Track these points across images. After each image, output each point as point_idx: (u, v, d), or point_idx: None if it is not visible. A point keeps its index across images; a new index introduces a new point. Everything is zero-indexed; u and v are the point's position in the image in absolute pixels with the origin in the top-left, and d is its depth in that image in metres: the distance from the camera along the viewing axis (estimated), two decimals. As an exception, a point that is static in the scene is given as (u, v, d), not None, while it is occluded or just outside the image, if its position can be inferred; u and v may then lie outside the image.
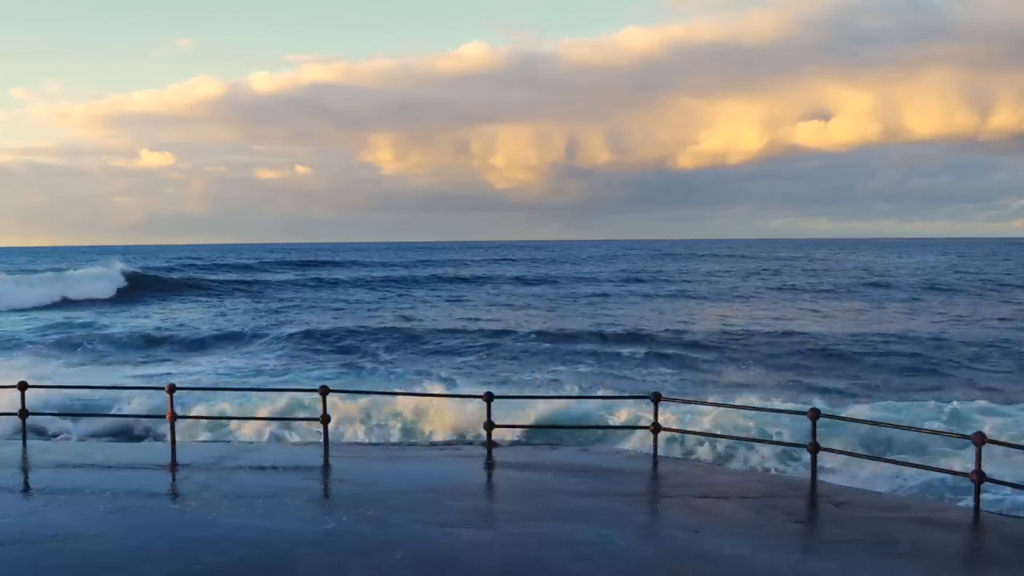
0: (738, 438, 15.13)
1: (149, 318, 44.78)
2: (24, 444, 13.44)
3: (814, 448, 11.07)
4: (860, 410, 18.84)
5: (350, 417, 18.68)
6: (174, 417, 13.49)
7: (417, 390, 21.35)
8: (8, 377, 15.93)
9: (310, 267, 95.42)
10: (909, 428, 13.40)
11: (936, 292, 59.59)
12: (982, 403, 20.35)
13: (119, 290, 56.45)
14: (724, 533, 8.66)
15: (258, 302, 54.51)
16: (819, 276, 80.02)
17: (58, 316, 44.87)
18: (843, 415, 14.96)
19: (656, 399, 12.29)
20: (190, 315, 46.29)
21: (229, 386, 23.76)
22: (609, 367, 28.71)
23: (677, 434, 14.79)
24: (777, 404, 19.11)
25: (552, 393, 22.95)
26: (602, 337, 35.29)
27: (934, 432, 13.80)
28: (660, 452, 12.48)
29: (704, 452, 15.91)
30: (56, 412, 17.47)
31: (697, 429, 15.66)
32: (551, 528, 8.89)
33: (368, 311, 48.84)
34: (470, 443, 13.38)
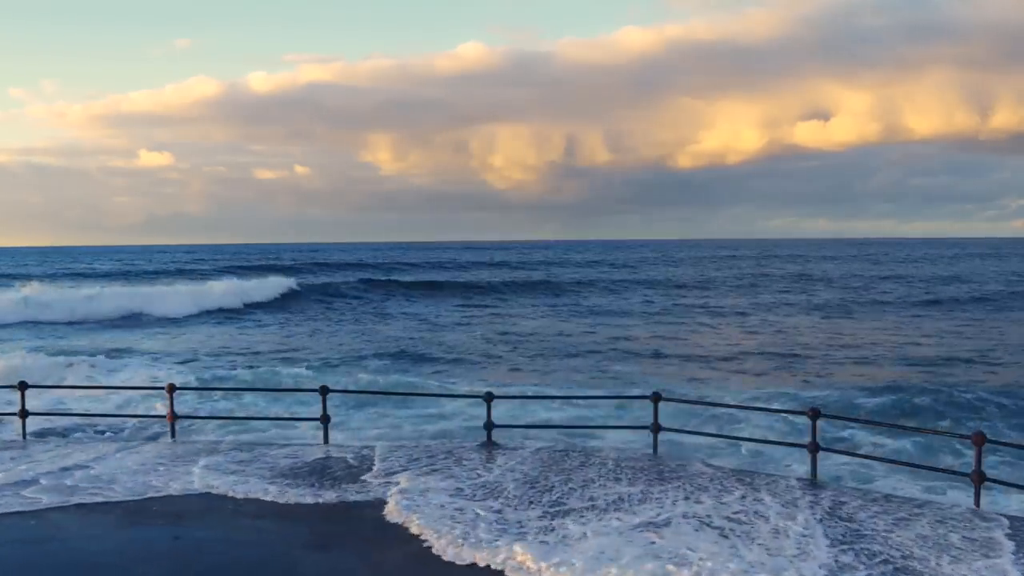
0: (738, 438, 15.15)
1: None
2: (24, 444, 13.44)
3: (814, 448, 11.08)
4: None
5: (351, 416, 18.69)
6: (174, 417, 13.52)
7: (416, 390, 21.40)
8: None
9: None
10: (908, 428, 13.45)
11: None
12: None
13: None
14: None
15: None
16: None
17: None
18: (841, 415, 14.99)
19: (656, 399, 12.29)
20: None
21: (229, 386, 23.75)
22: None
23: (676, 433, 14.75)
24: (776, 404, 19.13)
25: (552, 393, 22.96)
26: None
27: (935, 432, 13.83)
28: (659, 451, 12.51)
29: (704, 452, 15.89)
30: (57, 412, 17.46)
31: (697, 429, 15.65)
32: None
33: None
34: (472, 444, 13.36)
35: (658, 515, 9.37)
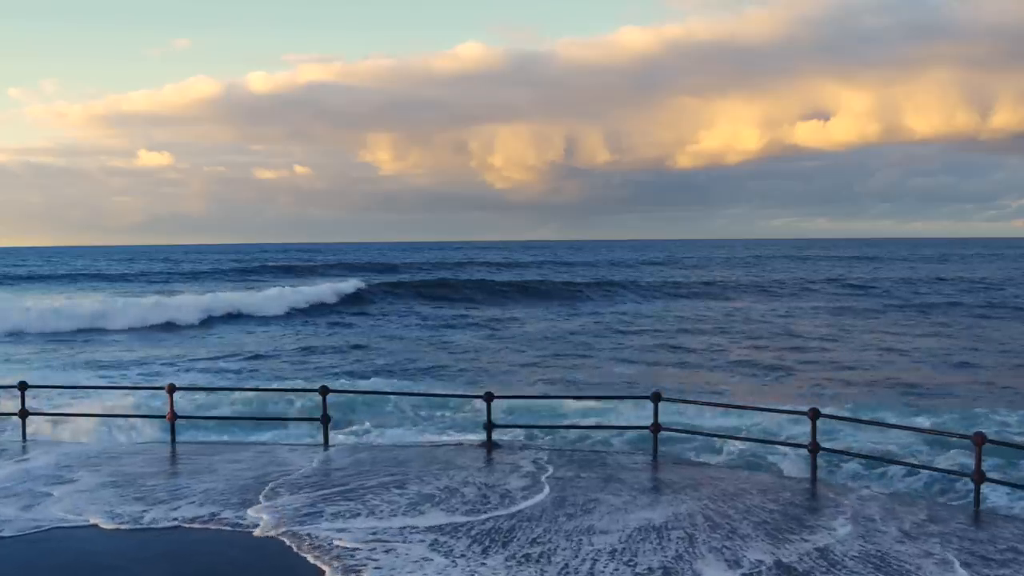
0: (738, 438, 15.13)
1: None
2: (24, 444, 13.43)
3: (814, 448, 11.07)
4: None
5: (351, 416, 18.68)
6: (174, 417, 13.50)
7: (417, 390, 21.41)
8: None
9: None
10: (909, 428, 13.43)
11: None
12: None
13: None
14: (722, 533, 8.69)
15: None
16: None
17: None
18: (843, 415, 14.97)
19: (656, 399, 12.27)
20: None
21: (228, 386, 23.76)
22: None
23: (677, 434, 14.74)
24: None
25: (552, 393, 22.97)
26: None
27: (934, 432, 13.81)
28: (661, 452, 12.48)
29: (703, 452, 15.88)
30: (57, 413, 17.44)
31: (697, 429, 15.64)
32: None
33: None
34: (470, 444, 13.35)
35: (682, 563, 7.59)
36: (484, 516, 9.16)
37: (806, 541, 8.29)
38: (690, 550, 8.03)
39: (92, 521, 9.19)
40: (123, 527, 9.01)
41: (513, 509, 9.43)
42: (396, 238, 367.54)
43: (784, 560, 7.74)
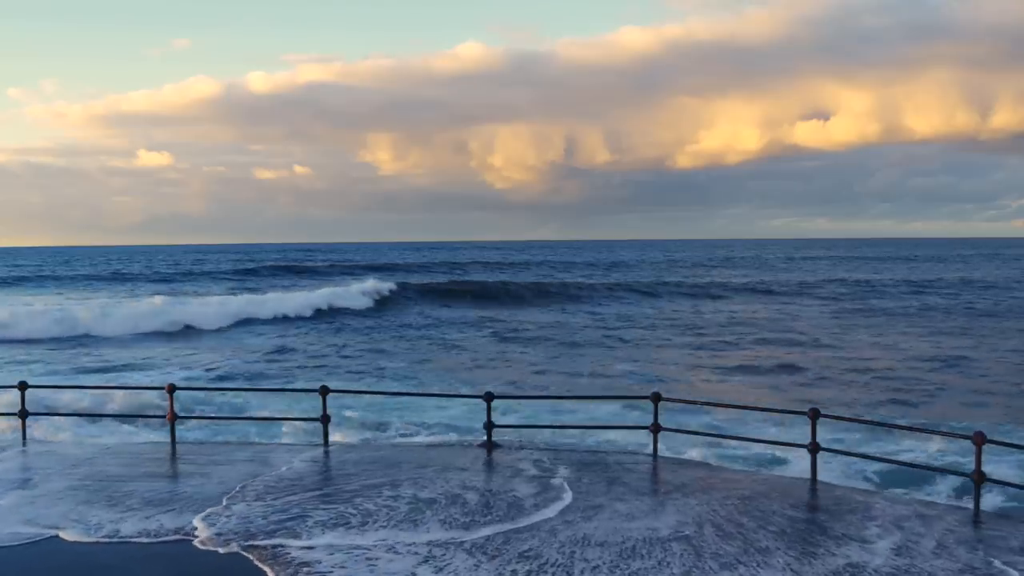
0: (738, 438, 15.12)
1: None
2: (24, 444, 13.44)
3: (814, 448, 11.06)
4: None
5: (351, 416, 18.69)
6: (174, 417, 13.50)
7: (418, 390, 21.43)
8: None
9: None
10: (909, 428, 13.44)
11: None
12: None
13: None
14: (722, 533, 8.69)
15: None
16: None
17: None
18: (843, 416, 14.97)
19: (656, 399, 12.27)
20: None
21: (228, 387, 23.76)
22: None
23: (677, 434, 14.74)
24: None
25: (552, 393, 22.98)
26: None
27: (934, 432, 13.77)
28: (660, 452, 12.48)
29: (703, 452, 15.88)
30: (58, 413, 17.45)
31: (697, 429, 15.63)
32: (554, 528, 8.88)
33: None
34: (469, 444, 13.35)
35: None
36: (485, 531, 8.66)
37: (833, 555, 7.91)
38: (698, 564, 7.71)
39: (58, 531, 8.92)
40: (82, 539, 8.73)
41: (525, 522, 8.96)
42: (396, 238, 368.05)
43: None
